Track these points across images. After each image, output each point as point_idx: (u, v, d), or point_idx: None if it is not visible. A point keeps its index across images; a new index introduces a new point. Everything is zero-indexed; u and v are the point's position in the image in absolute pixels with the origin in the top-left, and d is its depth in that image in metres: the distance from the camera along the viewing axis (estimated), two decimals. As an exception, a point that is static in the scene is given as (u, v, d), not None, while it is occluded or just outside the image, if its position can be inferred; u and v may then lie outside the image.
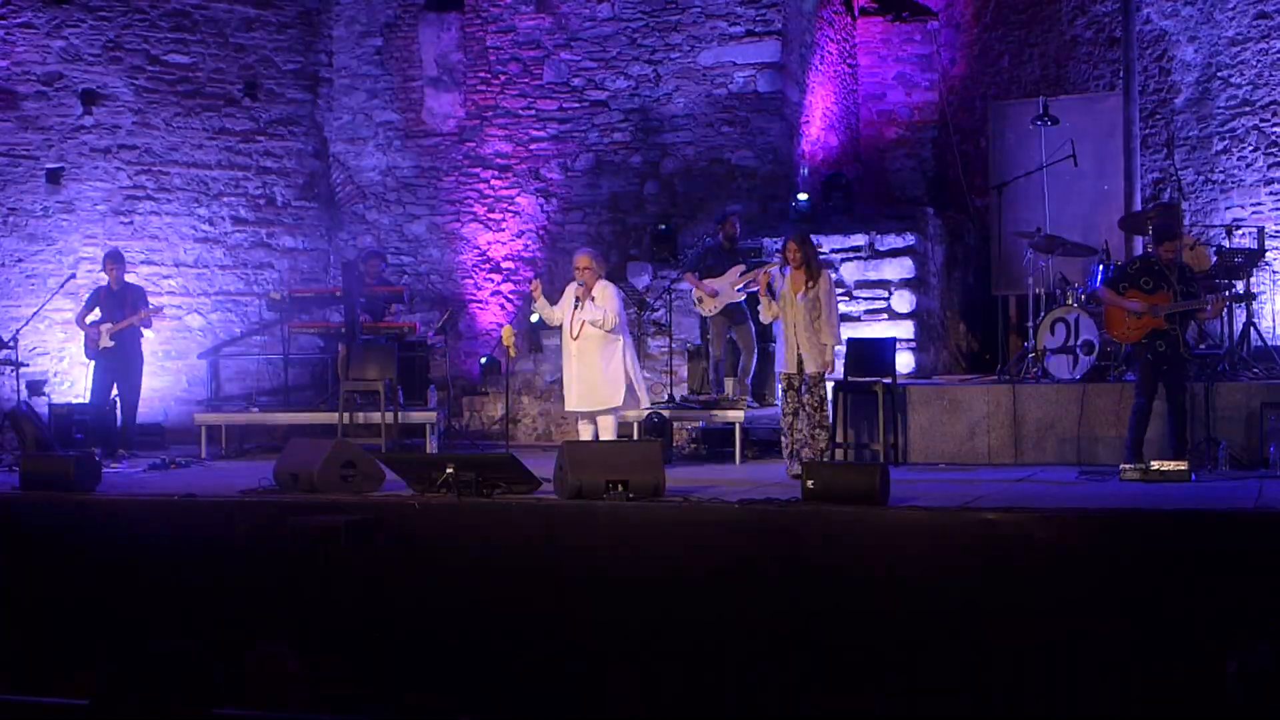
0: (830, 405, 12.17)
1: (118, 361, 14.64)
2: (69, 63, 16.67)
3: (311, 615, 9.82)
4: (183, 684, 4.30)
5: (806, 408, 11.80)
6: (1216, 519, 8.99)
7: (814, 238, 12.67)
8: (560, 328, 12.78)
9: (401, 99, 18.43)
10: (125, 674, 4.28)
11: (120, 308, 14.62)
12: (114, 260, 14.90)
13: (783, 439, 12.08)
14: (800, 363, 11.80)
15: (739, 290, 14.21)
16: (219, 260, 17.61)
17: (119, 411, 14.74)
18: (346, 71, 18.52)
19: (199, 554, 10.44)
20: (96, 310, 14.75)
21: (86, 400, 15.18)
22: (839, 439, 12.65)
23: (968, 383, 13.89)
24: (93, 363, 14.83)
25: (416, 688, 9.45)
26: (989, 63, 18.99)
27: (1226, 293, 11.41)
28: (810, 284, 11.81)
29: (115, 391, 14.74)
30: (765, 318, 12.24)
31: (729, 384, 14.36)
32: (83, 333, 14.85)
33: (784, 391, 12.00)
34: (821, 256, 13.32)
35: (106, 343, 14.47)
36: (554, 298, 12.87)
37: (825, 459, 11.68)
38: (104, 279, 15.01)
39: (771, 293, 11.93)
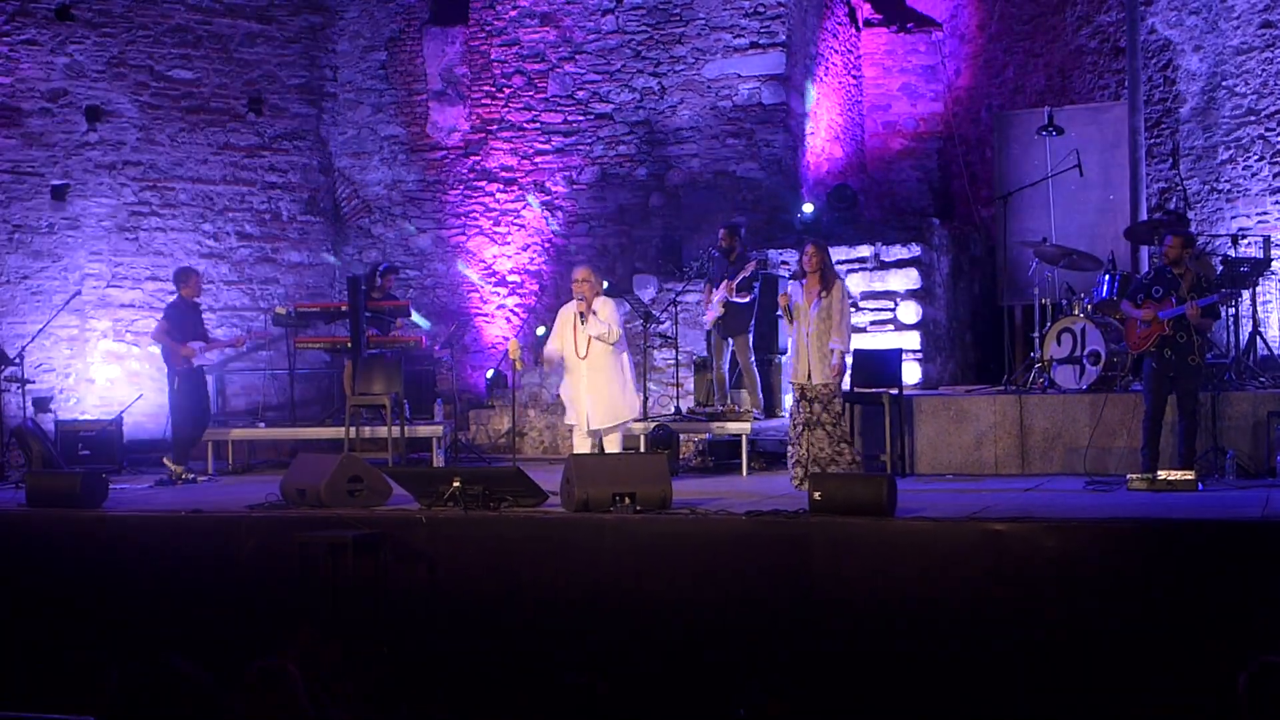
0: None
1: (204, 376, 14.46)
2: (73, 79, 16.70)
3: (319, 629, 9.80)
4: (190, 701, 4.28)
5: (825, 425, 11.77)
6: (1224, 528, 8.96)
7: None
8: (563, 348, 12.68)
9: (406, 113, 18.46)
10: (133, 690, 4.26)
11: (201, 323, 14.49)
12: (198, 275, 14.63)
13: (790, 449, 12.03)
14: (810, 373, 11.78)
15: (711, 308, 14.03)
16: (224, 276, 17.62)
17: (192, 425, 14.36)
18: (351, 86, 18.55)
19: (206, 570, 10.44)
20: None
21: (91, 414, 15.08)
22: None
23: (974, 393, 13.86)
24: (177, 379, 14.15)
25: (423, 701, 9.43)
26: (994, 73, 18.98)
27: (1194, 299, 11.30)
28: (824, 293, 11.77)
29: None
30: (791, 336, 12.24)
31: (742, 397, 14.28)
32: (167, 346, 14.10)
33: (796, 402, 11.96)
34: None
35: (203, 359, 14.19)
36: (556, 311, 12.87)
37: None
38: (165, 295, 14.48)
39: (789, 315, 11.90)
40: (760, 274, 14.31)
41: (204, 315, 14.85)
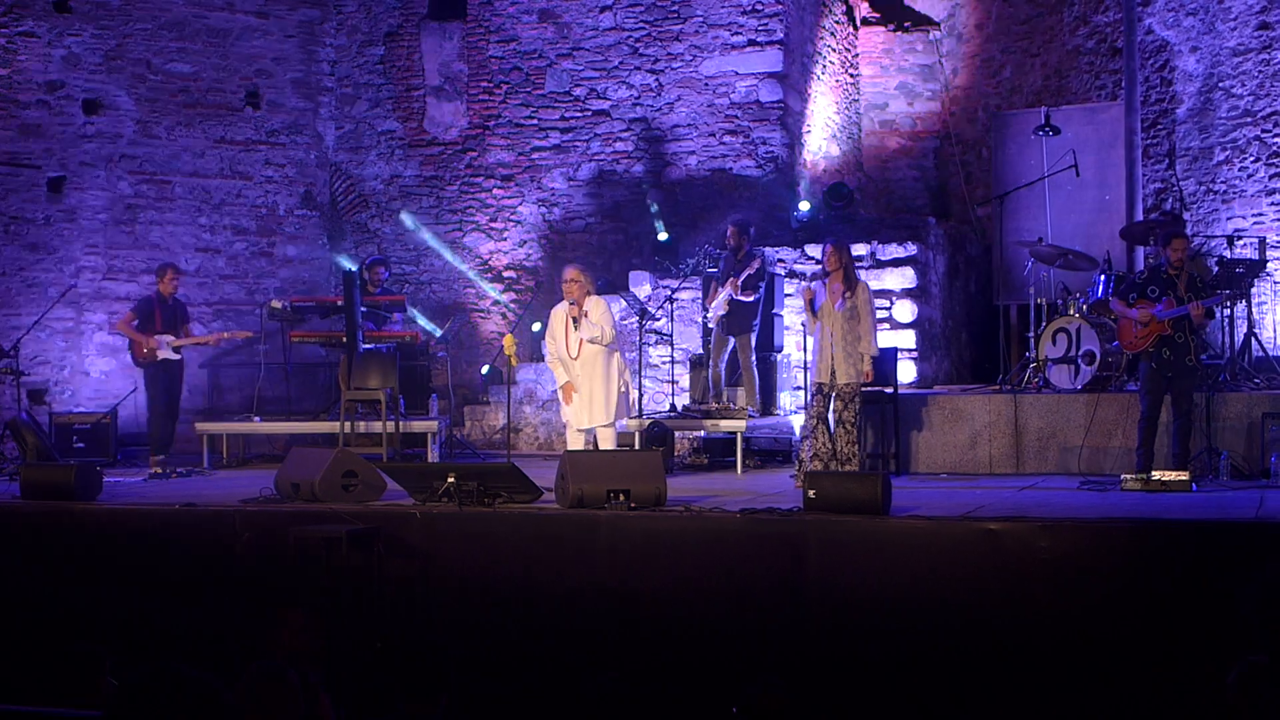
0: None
1: (176, 371, 14.50)
2: (70, 71, 16.68)
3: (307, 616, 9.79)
4: (192, 699, 4.28)
5: (845, 424, 11.77)
6: (1218, 529, 8.98)
7: (813, 246, 12.60)
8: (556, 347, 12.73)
9: (403, 108, 18.44)
10: (133, 688, 4.26)
11: (179, 319, 14.51)
12: (176, 271, 14.72)
13: (804, 444, 11.98)
14: (834, 373, 11.77)
15: (716, 305, 13.96)
16: (220, 269, 17.61)
17: (161, 420, 14.41)
18: (348, 81, 18.54)
19: (200, 564, 10.43)
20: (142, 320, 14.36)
21: (86, 406, 15.07)
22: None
23: (969, 392, 13.88)
24: (141, 370, 14.43)
25: (416, 699, 9.42)
26: (991, 73, 19.00)
27: (1193, 299, 11.33)
28: (848, 293, 11.79)
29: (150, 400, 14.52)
30: (810, 332, 12.22)
31: (737, 395, 14.21)
32: (131, 339, 14.34)
33: (813, 397, 11.94)
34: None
35: (169, 354, 14.25)
36: (552, 307, 12.87)
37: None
38: (147, 289, 14.59)
39: (811, 308, 11.88)
40: (769, 273, 14.29)
41: (200, 309, 14.86)
